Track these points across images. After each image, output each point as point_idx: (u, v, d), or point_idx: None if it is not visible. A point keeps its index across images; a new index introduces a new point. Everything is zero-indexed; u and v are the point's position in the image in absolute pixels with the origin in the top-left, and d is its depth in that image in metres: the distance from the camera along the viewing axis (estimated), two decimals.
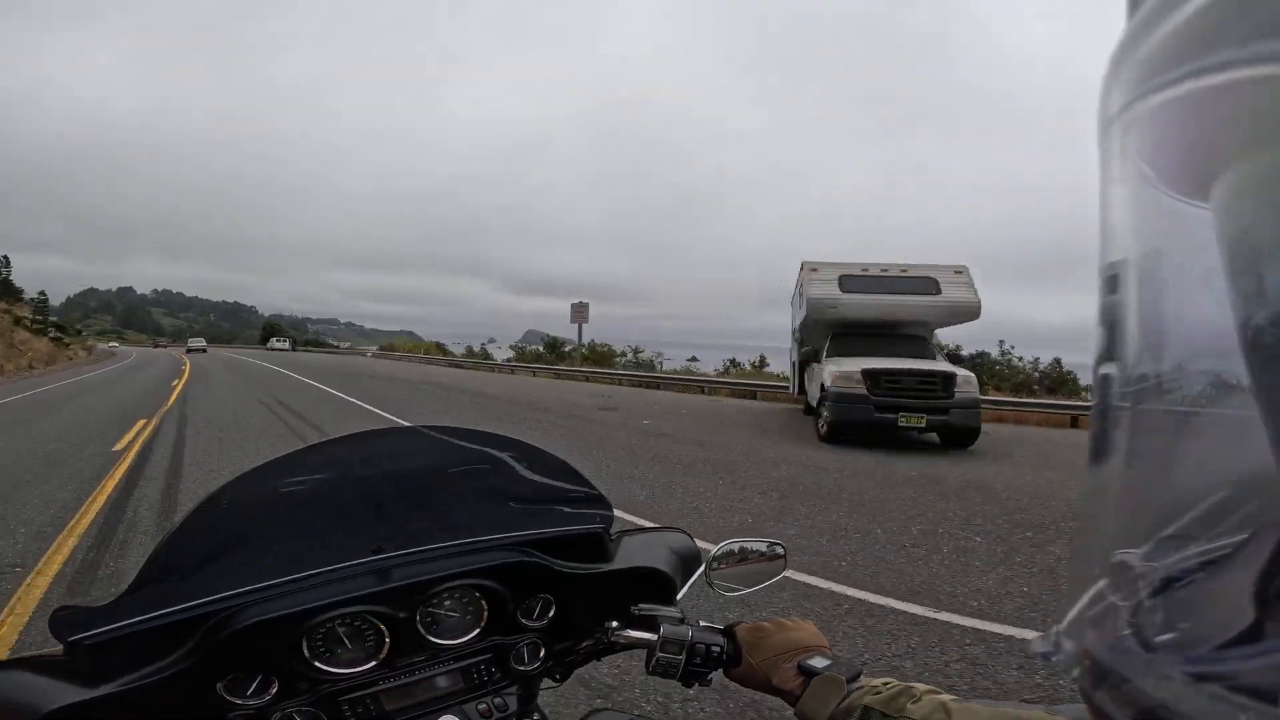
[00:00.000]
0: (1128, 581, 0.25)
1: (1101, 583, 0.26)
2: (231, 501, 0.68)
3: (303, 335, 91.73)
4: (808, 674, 0.67)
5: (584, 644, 0.81)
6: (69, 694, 0.58)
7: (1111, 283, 0.26)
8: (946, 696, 0.55)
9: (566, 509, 0.84)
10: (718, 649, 0.74)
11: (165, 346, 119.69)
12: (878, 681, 0.62)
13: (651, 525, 1.04)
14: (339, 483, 0.75)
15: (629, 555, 0.86)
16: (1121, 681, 0.24)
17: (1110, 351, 0.26)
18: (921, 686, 0.58)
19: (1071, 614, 0.27)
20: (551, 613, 0.79)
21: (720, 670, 0.75)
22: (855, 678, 0.64)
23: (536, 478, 0.84)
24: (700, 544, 0.98)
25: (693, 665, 0.74)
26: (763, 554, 0.89)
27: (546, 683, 0.83)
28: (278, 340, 71.59)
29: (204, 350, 64.29)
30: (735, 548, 0.87)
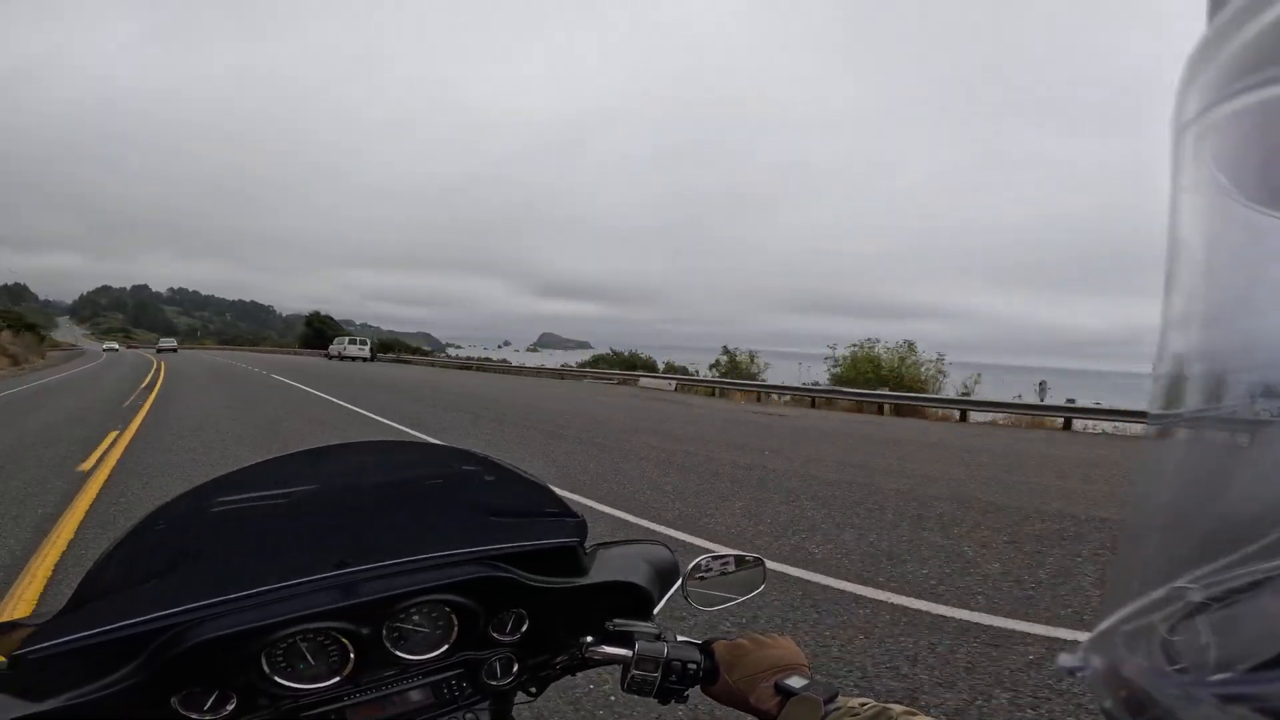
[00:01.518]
0: (1159, 593, 0.24)
1: (1141, 602, 0.25)
2: (186, 513, 0.65)
3: (374, 338, 49.77)
4: (784, 694, 0.66)
5: (559, 659, 0.81)
6: (12, 708, 0.56)
7: (1178, 293, 0.25)
8: (924, 718, 0.55)
9: (540, 522, 0.82)
10: (694, 666, 0.73)
11: (136, 347, 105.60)
12: (855, 702, 0.61)
13: (630, 539, 0.98)
14: (302, 496, 0.73)
15: (604, 569, 0.85)
16: (1148, 700, 0.23)
17: (1173, 364, 0.25)
18: (898, 708, 0.58)
19: (1102, 630, 0.26)
20: (525, 627, 0.78)
21: (698, 687, 0.74)
22: (832, 698, 0.63)
23: (508, 492, 0.82)
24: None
25: (669, 683, 0.73)
26: (741, 567, 0.88)
27: (522, 696, 0.81)
28: (350, 344, 40.40)
29: (174, 350, 56.07)
30: (712, 561, 0.87)
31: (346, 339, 42.42)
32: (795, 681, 0.67)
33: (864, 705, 0.60)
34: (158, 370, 23.65)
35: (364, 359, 38.03)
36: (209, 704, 0.63)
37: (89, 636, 0.58)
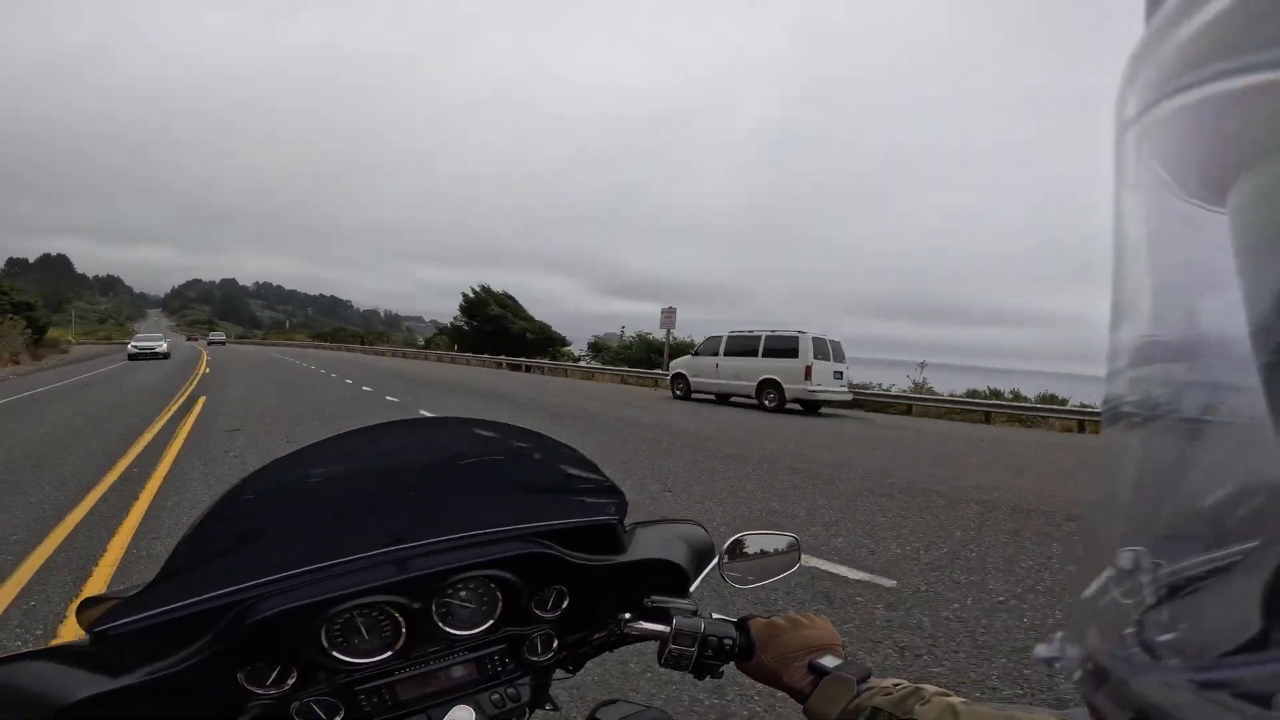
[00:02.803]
0: (1129, 581, 0.25)
1: (1114, 591, 0.25)
2: (255, 492, 0.67)
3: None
4: (818, 673, 0.67)
5: (597, 635, 0.82)
6: (93, 685, 0.58)
7: (1124, 287, 0.26)
8: (956, 699, 0.55)
9: (581, 500, 0.84)
10: (730, 642, 0.74)
11: (196, 339, 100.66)
12: (888, 683, 0.62)
13: (666, 518, 0.99)
14: (359, 473, 0.76)
15: (643, 547, 0.86)
16: (1124, 687, 0.24)
17: (1122, 356, 0.26)
18: (931, 689, 0.58)
19: (1077, 619, 0.27)
20: (565, 604, 0.79)
21: (733, 663, 0.75)
22: (865, 678, 0.64)
23: (552, 468, 0.84)
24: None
25: (705, 658, 0.74)
26: (776, 547, 0.89)
27: (559, 673, 0.83)
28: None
29: (223, 344, 55.38)
30: (748, 540, 0.87)
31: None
32: (829, 661, 0.68)
33: (896, 685, 0.60)
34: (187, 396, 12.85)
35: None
36: (271, 678, 0.65)
37: (161, 613, 0.61)
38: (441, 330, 46.50)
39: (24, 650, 0.62)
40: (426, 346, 45.70)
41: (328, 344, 70.45)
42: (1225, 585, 0.23)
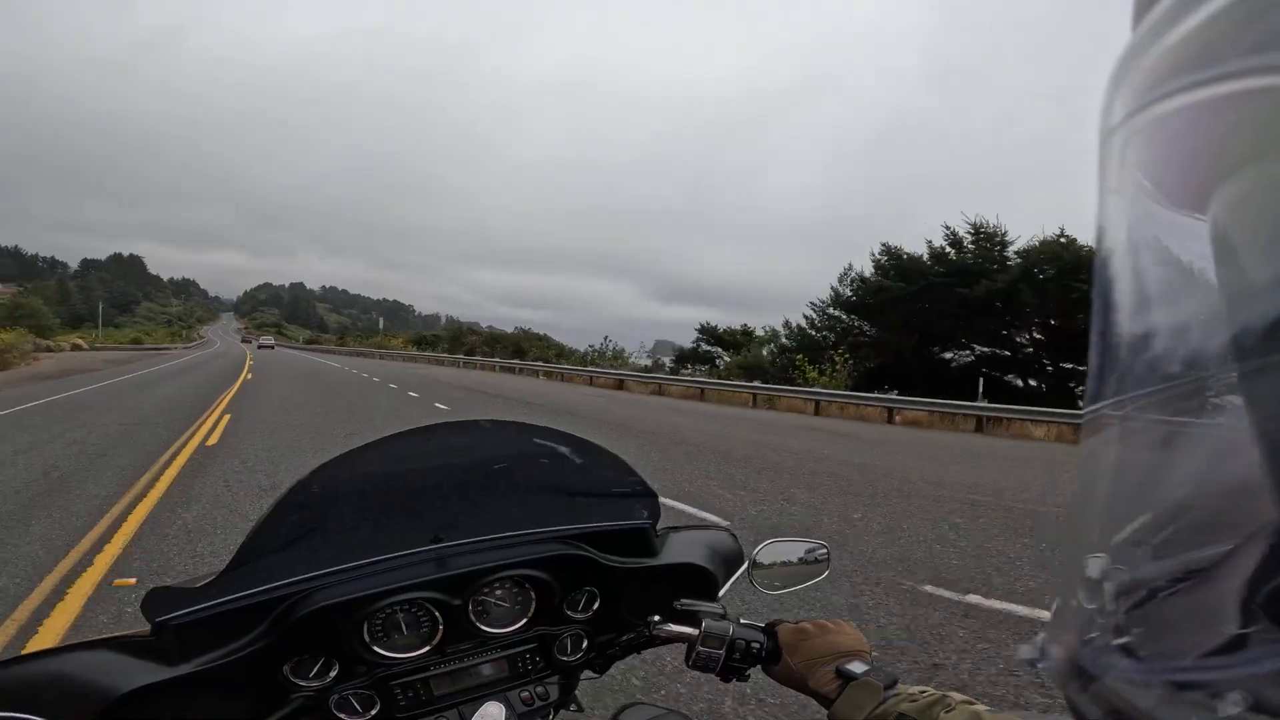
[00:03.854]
0: (1110, 583, 0.25)
1: (1094, 591, 0.26)
2: (310, 490, 0.70)
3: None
4: (845, 678, 0.67)
5: (626, 637, 0.83)
6: (149, 674, 0.61)
7: (1106, 291, 0.26)
8: (981, 706, 0.55)
9: (616, 503, 0.85)
10: (758, 646, 0.75)
11: (251, 340, 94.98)
12: (914, 689, 0.62)
13: (697, 524, 1.05)
14: (404, 473, 0.78)
15: (674, 551, 0.88)
16: (1104, 689, 0.24)
17: (1103, 359, 0.26)
18: (957, 696, 0.58)
19: (1057, 621, 0.27)
20: (596, 605, 0.81)
21: (760, 667, 0.76)
22: (892, 685, 0.64)
23: (589, 471, 0.85)
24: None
25: (732, 661, 0.75)
26: (805, 555, 0.89)
27: (587, 674, 0.84)
28: None
29: (272, 348, 52.73)
30: (777, 547, 0.88)
31: None
32: (856, 666, 0.68)
33: (922, 693, 0.60)
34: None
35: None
36: (314, 671, 0.68)
37: (217, 605, 0.64)
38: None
39: (87, 640, 0.65)
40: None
41: (445, 355, 38.38)
42: (1203, 587, 0.23)
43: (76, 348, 42.34)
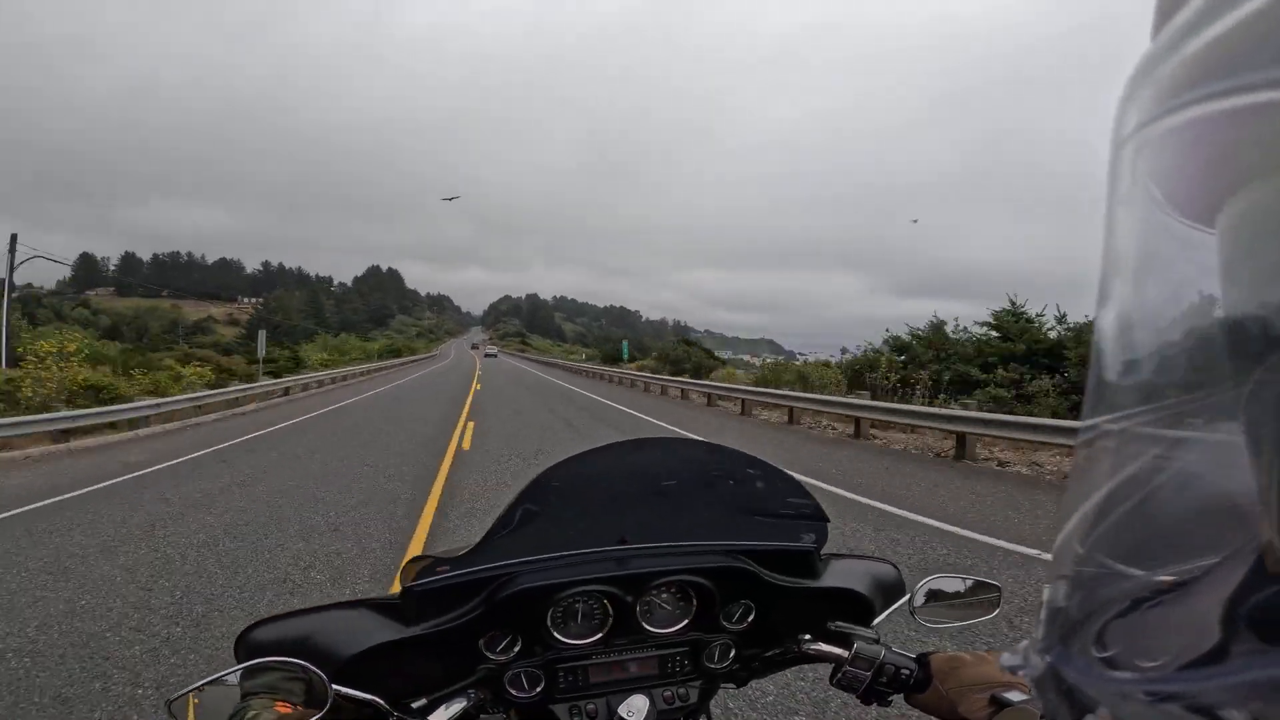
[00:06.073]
0: (1094, 592, 0.26)
1: (1077, 601, 0.26)
2: (540, 484, 0.79)
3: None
4: (999, 704, 0.66)
5: (771, 652, 0.85)
6: (389, 632, 0.72)
7: (1113, 303, 0.26)
8: None
9: (786, 524, 0.88)
10: (907, 673, 0.75)
11: (478, 347, 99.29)
12: None
13: (861, 554, 0.99)
14: (602, 478, 0.86)
15: (834, 576, 0.88)
16: (1084, 698, 0.24)
17: (1103, 370, 0.26)
18: None
19: (1040, 629, 0.27)
20: (750, 618, 0.85)
21: (902, 695, 0.75)
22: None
23: (768, 492, 0.90)
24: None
25: (878, 684, 0.75)
26: (974, 591, 0.85)
27: (727, 685, 0.87)
28: None
29: (495, 356, 54.51)
30: (944, 582, 0.85)
31: None
32: (1014, 695, 0.67)
33: None
34: None
35: None
36: (502, 646, 0.76)
37: (446, 578, 0.74)
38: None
39: (349, 599, 0.76)
40: None
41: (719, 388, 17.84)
42: (1187, 599, 0.24)
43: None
